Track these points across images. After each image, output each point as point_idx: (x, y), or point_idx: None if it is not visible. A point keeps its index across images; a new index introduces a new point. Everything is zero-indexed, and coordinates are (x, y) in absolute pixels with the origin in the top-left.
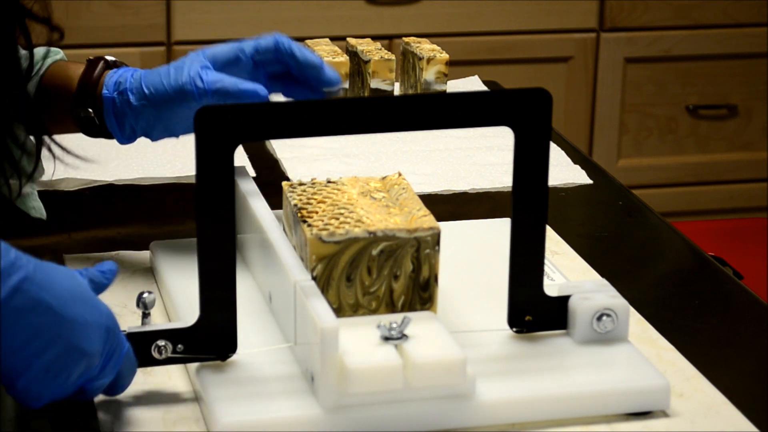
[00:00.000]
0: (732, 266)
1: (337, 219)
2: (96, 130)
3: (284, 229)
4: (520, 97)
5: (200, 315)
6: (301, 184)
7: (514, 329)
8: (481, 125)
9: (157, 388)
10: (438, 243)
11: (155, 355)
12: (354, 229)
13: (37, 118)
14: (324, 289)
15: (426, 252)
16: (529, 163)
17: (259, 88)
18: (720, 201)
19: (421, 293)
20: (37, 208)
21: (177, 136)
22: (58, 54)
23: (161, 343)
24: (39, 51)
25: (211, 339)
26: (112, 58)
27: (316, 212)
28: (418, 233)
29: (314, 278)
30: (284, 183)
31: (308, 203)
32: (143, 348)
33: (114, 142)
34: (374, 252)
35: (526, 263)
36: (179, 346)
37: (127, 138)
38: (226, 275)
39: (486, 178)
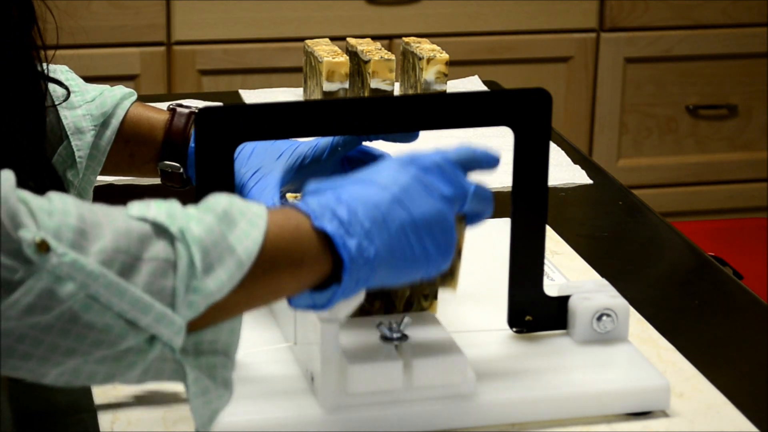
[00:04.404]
0: (732, 266)
1: None
2: (182, 182)
3: None
4: (519, 97)
5: None
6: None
7: (514, 329)
8: (481, 125)
9: (157, 388)
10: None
11: None
12: None
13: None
14: None
15: None
16: (529, 163)
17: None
18: (720, 201)
19: None
20: None
21: None
22: (132, 96)
23: None
24: (115, 93)
25: None
26: (194, 107)
27: None
28: None
29: None
30: (288, 195)
31: None
32: None
33: None
34: None
35: (526, 263)
36: None
37: None
38: None
39: (486, 178)
